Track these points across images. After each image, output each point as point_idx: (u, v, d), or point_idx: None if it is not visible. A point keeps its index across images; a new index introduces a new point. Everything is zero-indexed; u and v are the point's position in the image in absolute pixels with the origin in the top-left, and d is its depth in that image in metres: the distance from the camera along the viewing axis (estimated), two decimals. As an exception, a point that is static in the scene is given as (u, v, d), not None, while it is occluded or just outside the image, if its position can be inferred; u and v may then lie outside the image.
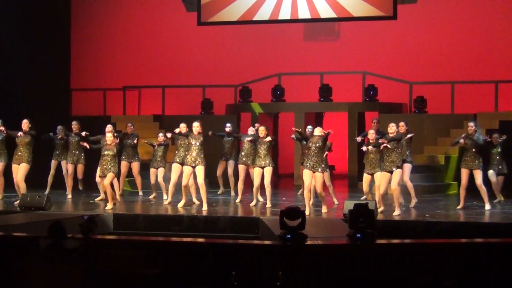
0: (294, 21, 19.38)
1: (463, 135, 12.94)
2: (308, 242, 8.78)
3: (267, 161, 13.25)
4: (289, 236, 8.76)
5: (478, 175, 12.73)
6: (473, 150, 12.72)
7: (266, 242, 9.77)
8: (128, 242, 9.57)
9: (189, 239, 9.53)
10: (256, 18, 19.32)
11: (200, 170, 13.08)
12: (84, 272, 6.99)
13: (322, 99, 18.34)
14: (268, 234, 10.33)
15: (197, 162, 13.06)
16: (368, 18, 18.94)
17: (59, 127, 15.14)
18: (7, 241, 9.31)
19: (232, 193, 15.11)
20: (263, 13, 19.25)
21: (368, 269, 8.31)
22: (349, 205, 10.47)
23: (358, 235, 8.76)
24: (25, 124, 13.77)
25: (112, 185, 13.36)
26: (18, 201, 13.15)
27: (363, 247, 8.67)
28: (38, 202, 12.61)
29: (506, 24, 18.79)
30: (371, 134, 12.72)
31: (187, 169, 13.15)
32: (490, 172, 13.85)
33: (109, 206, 12.95)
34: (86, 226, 7.53)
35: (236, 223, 11.97)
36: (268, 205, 13.21)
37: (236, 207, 13.54)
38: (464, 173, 12.83)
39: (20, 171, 13.71)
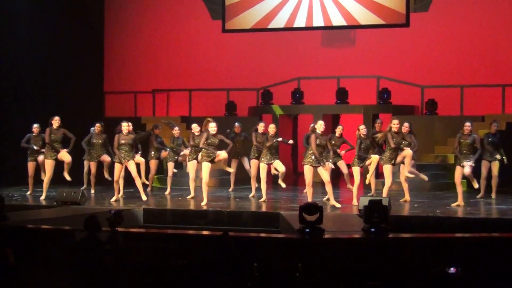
0: (309, 28, 19.42)
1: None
2: (326, 236, 8.81)
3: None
4: (307, 230, 8.80)
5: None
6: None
7: (286, 235, 9.80)
8: (156, 235, 9.64)
9: (214, 233, 9.54)
10: (272, 24, 19.38)
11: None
12: (115, 263, 7.04)
13: (338, 101, 18.34)
14: (288, 228, 10.34)
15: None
16: (382, 26, 18.90)
17: (92, 128, 15.18)
18: (43, 233, 9.41)
19: (253, 192, 14.50)
20: (280, 20, 19.31)
21: (381, 261, 8.32)
22: (364, 201, 10.45)
23: (372, 229, 8.79)
24: (56, 121, 13.89)
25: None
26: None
27: (377, 240, 8.69)
28: (73, 197, 12.71)
29: (512, 31, 18.67)
30: (362, 129, 13.40)
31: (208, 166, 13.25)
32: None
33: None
34: (113, 220, 7.58)
35: (258, 218, 11.98)
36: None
37: (257, 202, 13.50)
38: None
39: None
